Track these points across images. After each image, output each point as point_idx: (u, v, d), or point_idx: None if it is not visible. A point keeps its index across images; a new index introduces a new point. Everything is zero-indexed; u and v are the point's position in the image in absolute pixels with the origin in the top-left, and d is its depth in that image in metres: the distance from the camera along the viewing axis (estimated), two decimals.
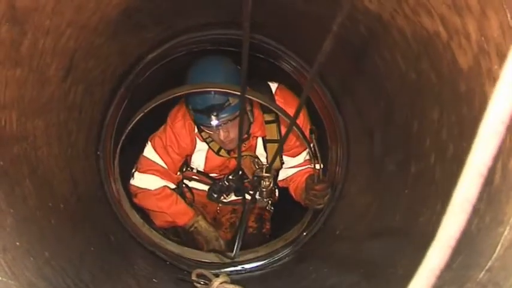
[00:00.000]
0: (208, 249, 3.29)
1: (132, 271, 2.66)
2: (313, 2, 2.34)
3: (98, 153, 3.02)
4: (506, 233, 1.09)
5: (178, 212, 3.33)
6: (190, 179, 3.60)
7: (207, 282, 2.49)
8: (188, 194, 3.61)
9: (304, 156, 3.44)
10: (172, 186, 3.38)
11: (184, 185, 3.60)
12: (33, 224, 1.79)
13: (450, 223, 0.60)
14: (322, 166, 3.41)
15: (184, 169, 3.50)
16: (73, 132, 2.45)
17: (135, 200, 3.31)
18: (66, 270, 1.87)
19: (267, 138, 3.27)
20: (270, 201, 3.72)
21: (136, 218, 3.23)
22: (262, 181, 3.29)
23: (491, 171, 1.24)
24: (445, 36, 1.45)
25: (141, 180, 3.28)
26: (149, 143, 3.30)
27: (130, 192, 3.32)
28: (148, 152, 3.29)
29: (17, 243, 1.55)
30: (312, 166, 3.39)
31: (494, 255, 1.11)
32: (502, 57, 1.15)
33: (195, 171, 3.50)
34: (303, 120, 3.21)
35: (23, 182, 1.77)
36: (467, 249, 1.23)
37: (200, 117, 2.91)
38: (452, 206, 0.60)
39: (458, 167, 1.49)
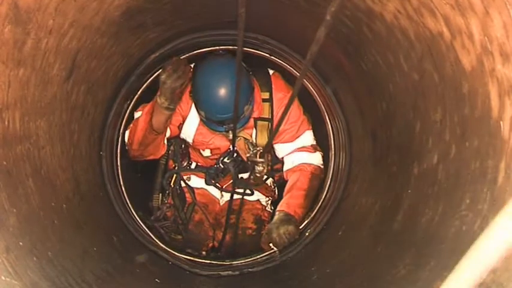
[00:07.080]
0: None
1: (134, 271, 2.66)
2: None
3: (101, 153, 3.02)
4: None
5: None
6: (189, 178, 3.60)
7: None
8: (188, 195, 3.60)
9: (302, 141, 3.27)
10: None
11: (185, 185, 3.60)
12: (36, 224, 1.80)
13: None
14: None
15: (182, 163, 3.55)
16: (76, 133, 2.45)
17: (128, 145, 3.17)
18: (69, 270, 1.88)
19: (258, 116, 3.19)
20: (269, 201, 3.71)
21: (139, 218, 3.23)
22: (256, 166, 3.22)
23: (495, 171, 1.23)
24: (448, 36, 1.45)
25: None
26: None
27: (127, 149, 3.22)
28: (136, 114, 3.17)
29: (20, 243, 1.56)
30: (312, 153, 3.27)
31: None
32: (505, 57, 1.15)
33: (192, 165, 3.56)
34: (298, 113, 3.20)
35: (26, 182, 1.77)
36: None
37: (214, 126, 2.99)
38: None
39: (460, 168, 1.48)
